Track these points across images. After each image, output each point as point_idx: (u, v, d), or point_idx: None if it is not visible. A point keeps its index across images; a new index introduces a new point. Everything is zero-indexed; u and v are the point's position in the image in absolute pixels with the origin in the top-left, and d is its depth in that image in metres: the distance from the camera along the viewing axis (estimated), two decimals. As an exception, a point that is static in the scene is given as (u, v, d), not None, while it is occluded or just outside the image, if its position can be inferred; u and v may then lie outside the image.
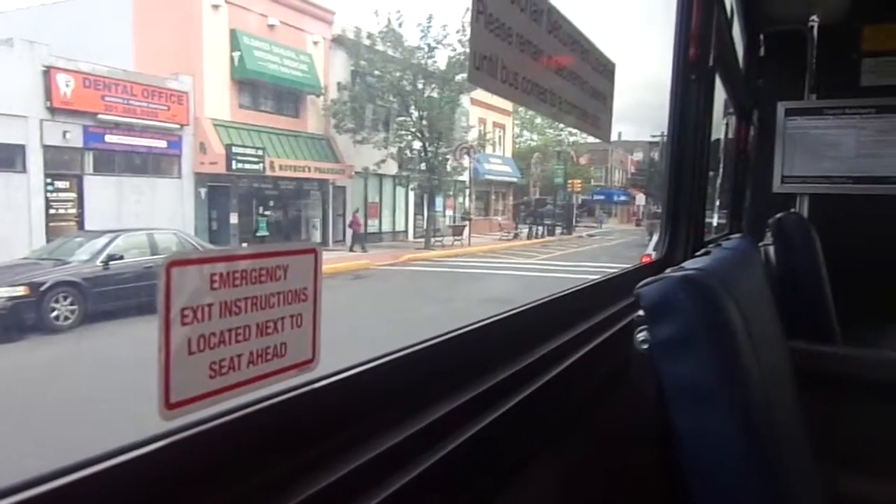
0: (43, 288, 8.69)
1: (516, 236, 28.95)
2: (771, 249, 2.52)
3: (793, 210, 3.21)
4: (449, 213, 26.78)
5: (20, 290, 8.59)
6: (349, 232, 21.65)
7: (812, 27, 3.26)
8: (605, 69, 1.43)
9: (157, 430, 0.52)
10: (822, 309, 2.46)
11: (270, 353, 0.60)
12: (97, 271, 9.29)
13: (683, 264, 1.02)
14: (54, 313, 8.69)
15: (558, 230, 32.45)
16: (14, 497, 0.43)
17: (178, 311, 0.51)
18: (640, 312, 0.96)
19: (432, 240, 22.57)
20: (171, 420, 0.51)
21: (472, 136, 26.29)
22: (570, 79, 1.22)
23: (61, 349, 8.40)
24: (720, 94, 2.78)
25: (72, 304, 8.86)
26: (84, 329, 8.56)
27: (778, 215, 2.57)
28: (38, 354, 7.90)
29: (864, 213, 3.11)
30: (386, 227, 23.51)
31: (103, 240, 10.13)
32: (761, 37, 3.45)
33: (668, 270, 0.96)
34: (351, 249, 20.05)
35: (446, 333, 0.94)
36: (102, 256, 9.61)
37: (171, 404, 0.51)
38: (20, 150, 13.67)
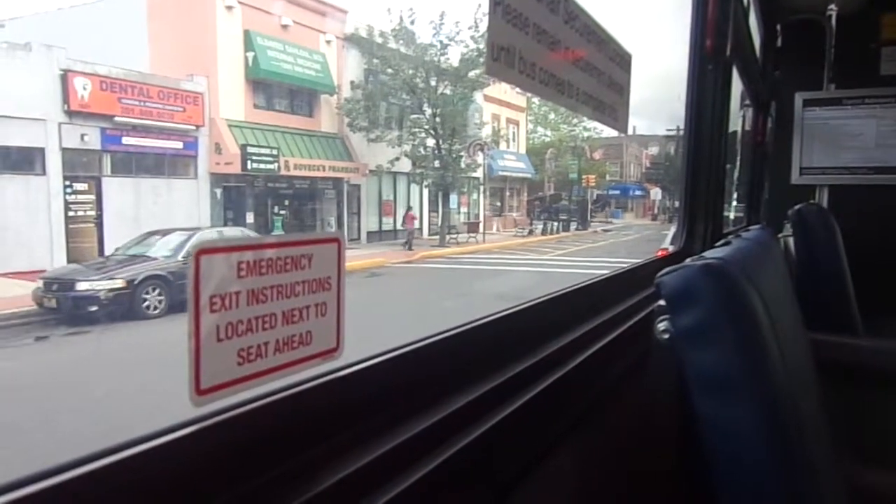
0: (136, 281, 9.68)
1: (531, 232, 28.91)
2: (790, 241, 2.49)
3: (812, 201, 3.17)
4: (464, 209, 26.78)
5: (119, 283, 9.68)
6: (364, 229, 21.72)
7: (830, 16, 3.21)
8: (622, 60, 1.42)
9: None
10: (843, 300, 2.43)
11: (296, 341, 0.61)
12: (179, 265, 10.00)
13: (704, 253, 1.02)
14: (146, 303, 9.64)
15: (573, 226, 32.36)
16: (52, 480, 0.44)
17: (207, 298, 0.51)
18: (661, 302, 0.95)
19: (447, 237, 22.57)
20: (201, 406, 0.52)
21: (486, 132, 26.25)
22: (587, 70, 1.22)
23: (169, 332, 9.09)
24: (737, 86, 2.75)
25: (160, 294, 9.75)
26: (174, 316, 9.27)
27: (797, 206, 2.54)
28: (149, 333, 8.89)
29: (884, 203, 3.07)
30: (400, 224, 23.56)
31: (178, 237, 11.08)
32: (778, 27, 3.41)
33: (688, 260, 0.96)
34: (409, 248, 20.27)
35: (466, 324, 0.94)
36: (184, 252, 10.28)
37: (202, 390, 0.51)
38: (39, 153, 13.87)
